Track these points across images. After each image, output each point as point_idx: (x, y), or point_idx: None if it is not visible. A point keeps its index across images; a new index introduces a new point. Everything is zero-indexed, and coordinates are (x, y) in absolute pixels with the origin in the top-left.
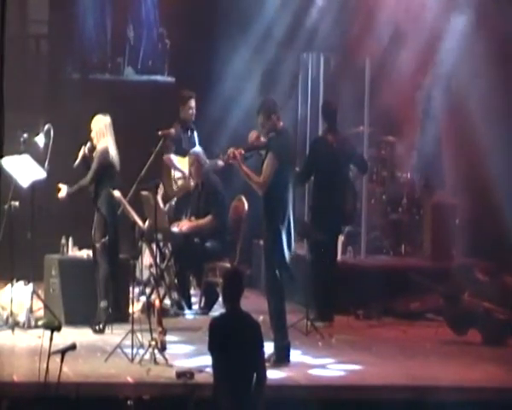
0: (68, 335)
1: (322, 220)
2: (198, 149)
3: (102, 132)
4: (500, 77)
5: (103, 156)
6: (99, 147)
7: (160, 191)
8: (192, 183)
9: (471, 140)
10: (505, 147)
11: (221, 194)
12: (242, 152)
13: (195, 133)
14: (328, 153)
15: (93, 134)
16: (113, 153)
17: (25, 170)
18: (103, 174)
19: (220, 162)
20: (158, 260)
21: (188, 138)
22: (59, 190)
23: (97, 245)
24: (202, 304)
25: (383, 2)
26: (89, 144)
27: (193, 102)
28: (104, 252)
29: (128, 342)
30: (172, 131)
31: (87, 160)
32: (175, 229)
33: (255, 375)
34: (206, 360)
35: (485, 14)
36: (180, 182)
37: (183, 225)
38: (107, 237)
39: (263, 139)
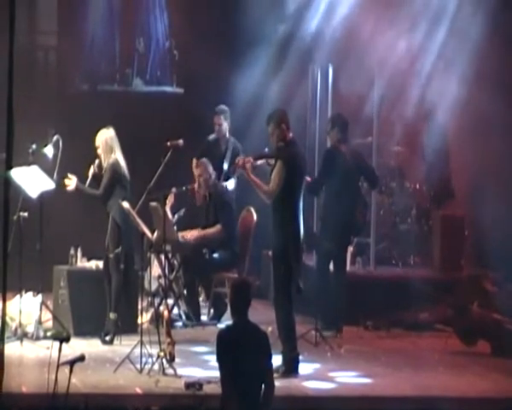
0: (77, 346)
1: (332, 231)
2: (204, 160)
3: (109, 147)
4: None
5: (114, 169)
6: (109, 161)
7: (169, 202)
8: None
9: (480, 150)
10: None
11: (229, 204)
12: (251, 161)
13: (229, 151)
14: (341, 163)
15: (99, 151)
16: (123, 164)
17: (33, 181)
18: (116, 186)
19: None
20: (166, 271)
21: (220, 151)
22: (66, 177)
23: (111, 256)
24: (211, 315)
25: (391, 15)
26: (97, 161)
27: (217, 119)
28: (117, 263)
29: (137, 353)
30: (181, 142)
31: (97, 177)
32: (181, 239)
33: (263, 386)
34: (215, 371)
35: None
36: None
37: (189, 235)
38: (120, 248)
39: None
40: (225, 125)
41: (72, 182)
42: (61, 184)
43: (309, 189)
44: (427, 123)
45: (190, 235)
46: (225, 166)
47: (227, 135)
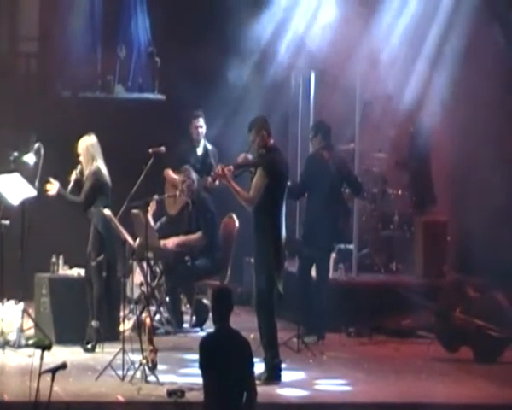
0: (59, 354)
1: (314, 237)
2: (187, 166)
3: (90, 154)
4: (494, 94)
5: (95, 177)
6: (91, 168)
7: (151, 209)
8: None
9: (462, 156)
10: (497, 163)
11: (211, 211)
12: (231, 169)
13: (210, 152)
14: (323, 169)
15: (81, 158)
16: (105, 171)
17: (15, 188)
18: (98, 193)
19: (209, 179)
20: (149, 278)
21: (196, 156)
22: (48, 182)
23: (93, 264)
24: (193, 322)
25: (373, 22)
26: (79, 167)
27: (198, 122)
28: (99, 271)
29: (119, 360)
30: (163, 149)
31: (79, 183)
32: (163, 246)
33: (245, 393)
34: (197, 379)
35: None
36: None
37: (170, 242)
38: (102, 256)
39: (250, 157)
40: (204, 128)
41: (53, 187)
42: (42, 189)
43: (289, 192)
44: (410, 129)
45: (172, 242)
46: (212, 161)
47: (203, 138)
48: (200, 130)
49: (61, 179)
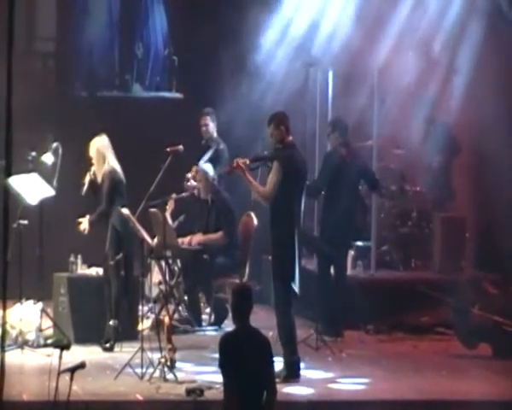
0: (78, 353)
1: (332, 235)
2: (206, 165)
3: (101, 155)
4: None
5: (111, 177)
6: (105, 169)
7: (169, 208)
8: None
9: (480, 152)
10: None
11: (231, 212)
12: (247, 162)
13: (211, 150)
14: (341, 166)
15: (94, 161)
16: (119, 169)
17: (33, 188)
18: (115, 193)
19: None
20: (167, 277)
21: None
22: (79, 224)
23: (111, 263)
24: (212, 320)
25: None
26: (93, 168)
27: (203, 120)
28: (117, 270)
29: (137, 359)
30: (180, 147)
31: (94, 185)
32: (185, 245)
33: (265, 391)
34: (216, 377)
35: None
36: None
37: (191, 240)
38: (120, 255)
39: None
40: (211, 126)
41: (84, 224)
42: (76, 231)
43: (308, 191)
44: (430, 126)
45: (194, 240)
46: (201, 162)
47: (214, 136)
48: (204, 128)
49: (78, 179)
